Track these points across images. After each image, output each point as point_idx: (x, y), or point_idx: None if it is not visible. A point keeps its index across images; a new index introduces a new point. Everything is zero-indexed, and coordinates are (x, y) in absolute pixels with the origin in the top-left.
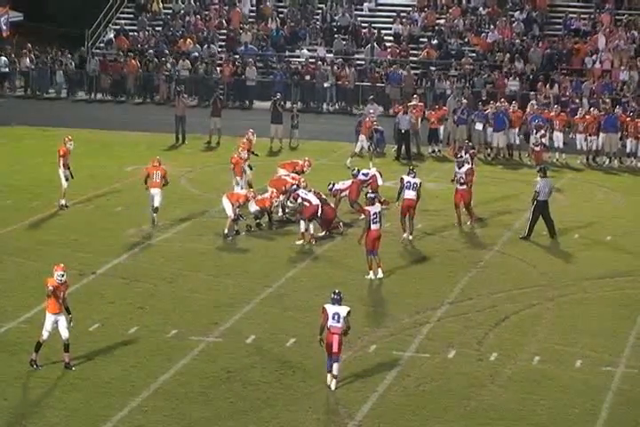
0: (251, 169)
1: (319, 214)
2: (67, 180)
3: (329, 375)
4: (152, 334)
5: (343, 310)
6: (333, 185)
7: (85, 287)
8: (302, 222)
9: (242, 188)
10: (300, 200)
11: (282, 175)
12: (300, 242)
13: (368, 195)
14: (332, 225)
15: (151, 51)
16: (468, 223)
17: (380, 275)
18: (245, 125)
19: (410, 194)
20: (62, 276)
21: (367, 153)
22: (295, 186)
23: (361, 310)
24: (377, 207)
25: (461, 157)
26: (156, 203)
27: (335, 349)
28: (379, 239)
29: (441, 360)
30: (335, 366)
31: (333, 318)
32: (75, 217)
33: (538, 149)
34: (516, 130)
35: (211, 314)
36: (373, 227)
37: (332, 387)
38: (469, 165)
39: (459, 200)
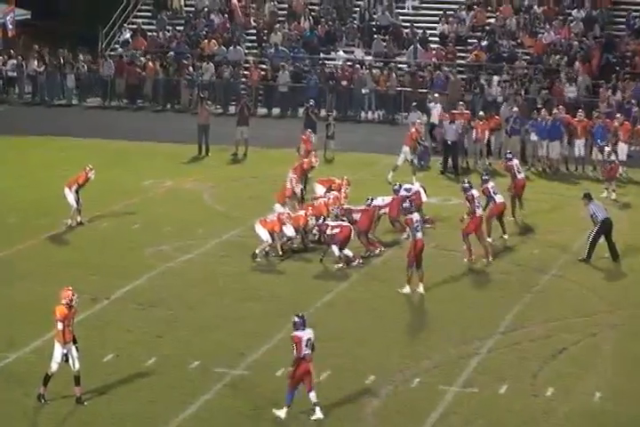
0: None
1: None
2: (77, 202)
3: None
4: (172, 365)
5: (312, 335)
6: (372, 200)
7: (98, 314)
8: (334, 247)
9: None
10: (329, 231)
11: (320, 197)
12: (340, 265)
13: (404, 204)
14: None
15: (172, 53)
16: (485, 260)
17: (421, 290)
18: (275, 136)
19: (501, 198)
20: (72, 301)
21: (411, 166)
22: (322, 218)
23: (401, 339)
24: (417, 215)
25: (467, 182)
26: None
27: (313, 378)
28: (423, 249)
29: (491, 396)
30: (313, 393)
31: (307, 344)
32: (87, 236)
33: (611, 163)
34: (582, 141)
35: (237, 344)
36: (418, 236)
37: (320, 415)
38: (470, 192)
39: (467, 231)
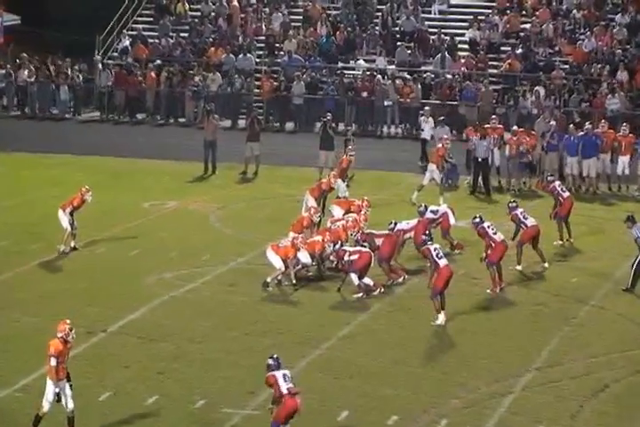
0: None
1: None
2: (71, 225)
3: None
4: (175, 404)
5: (287, 372)
6: (395, 224)
7: (94, 348)
8: (353, 275)
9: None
10: (347, 258)
11: (337, 221)
12: (359, 295)
13: (422, 237)
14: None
15: (173, 61)
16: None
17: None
18: (289, 152)
19: (533, 221)
20: (68, 336)
21: (438, 186)
22: (339, 244)
23: (427, 376)
24: (435, 244)
25: (479, 217)
26: None
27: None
28: (452, 277)
29: None
30: None
31: (285, 379)
32: (82, 263)
33: None
34: (626, 158)
35: (246, 381)
36: (443, 263)
37: None
38: (481, 225)
39: (491, 260)
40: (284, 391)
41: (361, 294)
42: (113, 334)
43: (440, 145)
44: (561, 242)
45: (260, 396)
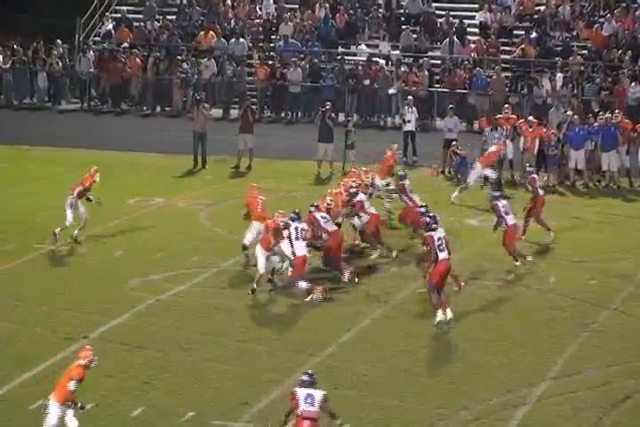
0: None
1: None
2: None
3: None
4: (162, 417)
5: (318, 394)
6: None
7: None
8: (302, 282)
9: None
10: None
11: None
12: (310, 298)
13: (425, 219)
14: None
15: (162, 46)
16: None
17: (450, 315)
18: (285, 145)
19: (512, 218)
20: (92, 362)
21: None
22: (313, 207)
23: (434, 386)
24: (440, 231)
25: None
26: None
27: None
28: (448, 273)
29: None
30: None
31: (306, 400)
32: (62, 264)
33: None
34: None
35: (239, 391)
36: (443, 256)
37: None
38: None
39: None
40: (298, 412)
41: (310, 297)
42: (94, 340)
43: (495, 149)
44: (523, 237)
45: (254, 407)
